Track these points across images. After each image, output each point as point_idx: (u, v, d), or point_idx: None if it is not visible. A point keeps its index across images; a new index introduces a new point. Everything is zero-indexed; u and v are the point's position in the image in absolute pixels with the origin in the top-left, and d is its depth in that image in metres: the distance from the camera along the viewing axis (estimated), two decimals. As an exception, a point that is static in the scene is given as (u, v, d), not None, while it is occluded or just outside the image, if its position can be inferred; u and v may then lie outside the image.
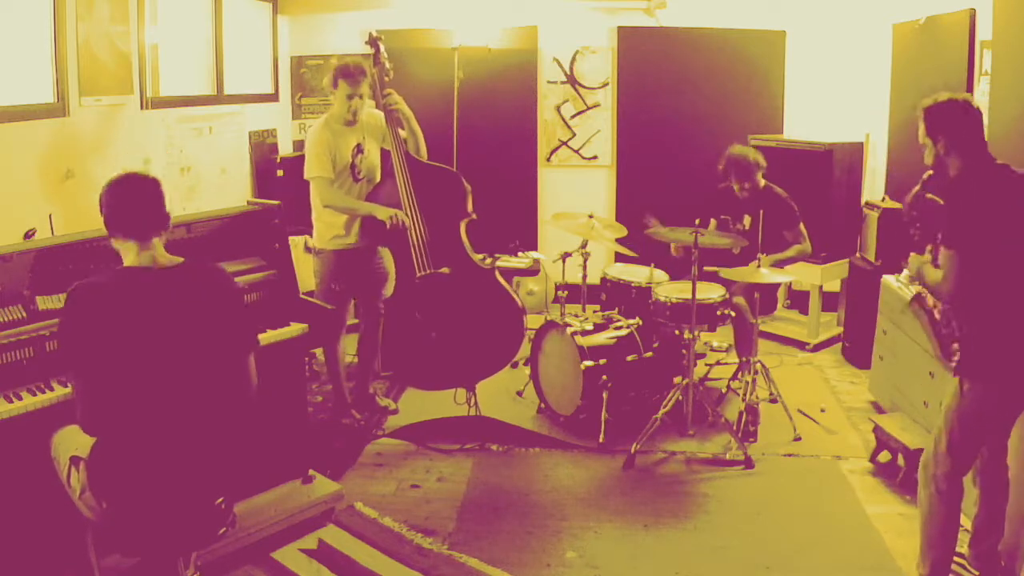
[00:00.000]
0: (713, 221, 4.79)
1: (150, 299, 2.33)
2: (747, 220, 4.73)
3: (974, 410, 2.74)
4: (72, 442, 2.47)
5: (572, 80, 6.40)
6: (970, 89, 4.58)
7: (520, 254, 5.33)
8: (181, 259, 2.45)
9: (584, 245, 4.71)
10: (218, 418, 2.44)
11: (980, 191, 2.67)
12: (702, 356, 4.98)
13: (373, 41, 4.22)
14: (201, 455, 2.40)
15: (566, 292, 4.79)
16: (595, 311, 4.73)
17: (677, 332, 4.43)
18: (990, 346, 2.71)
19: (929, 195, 2.95)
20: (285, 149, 6.22)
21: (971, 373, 2.73)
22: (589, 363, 4.22)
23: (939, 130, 2.74)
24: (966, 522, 2.99)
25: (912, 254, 2.98)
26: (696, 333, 4.18)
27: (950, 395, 2.80)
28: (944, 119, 2.74)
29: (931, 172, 2.88)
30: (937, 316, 2.86)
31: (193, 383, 2.37)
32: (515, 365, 4.85)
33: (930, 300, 2.92)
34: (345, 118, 4.13)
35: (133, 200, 2.42)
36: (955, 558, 2.95)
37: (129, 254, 2.41)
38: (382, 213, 4.03)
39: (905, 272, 4.12)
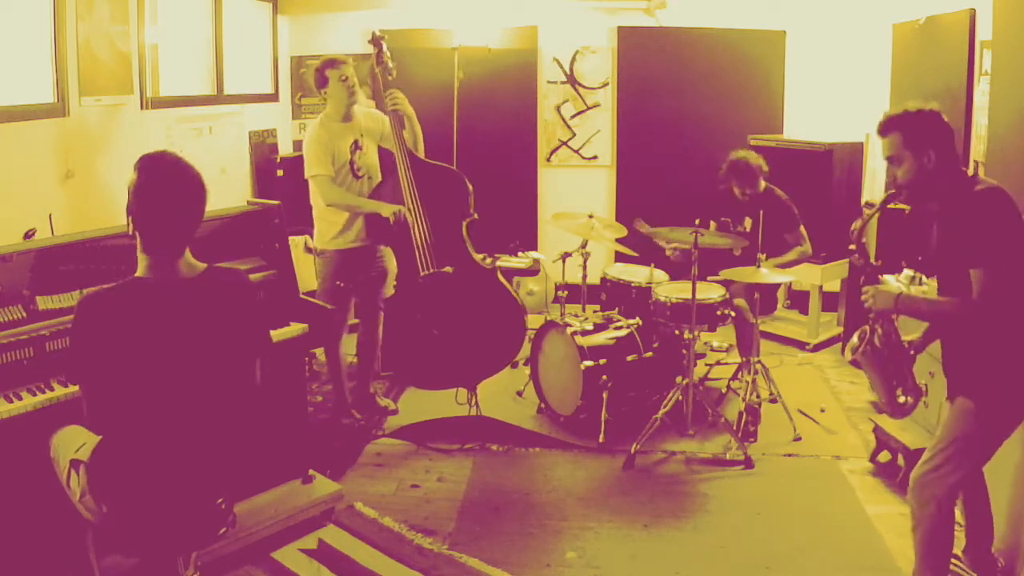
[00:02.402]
0: (712, 223, 4.79)
1: (165, 313, 2.25)
2: (748, 222, 4.72)
3: (996, 429, 2.62)
4: (72, 444, 2.46)
5: (572, 80, 6.40)
6: (970, 89, 4.58)
7: (520, 254, 5.32)
8: (204, 266, 2.35)
9: (584, 245, 4.71)
10: (220, 419, 2.43)
11: (1004, 205, 2.49)
12: (702, 356, 4.98)
13: (376, 40, 4.22)
14: (202, 456, 2.39)
15: (566, 292, 4.79)
16: (595, 311, 4.73)
17: (677, 332, 4.42)
18: (1015, 362, 2.56)
19: (892, 206, 2.76)
20: (285, 149, 6.22)
21: (996, 392, 2.58)
22: (589, 363, 4.22)
23: (928, 141, 2.55)
24: (960, 517, 2.99)
25: (883, 285, 2.83)
26: (696, 333, 4.18)
27: (953, 417, 2.66)
28: (933, 129, 2.56)
29: (892, 192, 2.72)
30: (879, 346, 2.75)
31: (200, 387, 2.35)
32: (515, 365, 4.85)
33: (876, 337, 2.81)
34: (345, 107, 4.12)
35: (172, 215, 2.25)
36: (952, 560, 2.95)
37: (146, 261, 2.29)
38: (386, 210, 4.03)
39: (905, 272, 4.11)
